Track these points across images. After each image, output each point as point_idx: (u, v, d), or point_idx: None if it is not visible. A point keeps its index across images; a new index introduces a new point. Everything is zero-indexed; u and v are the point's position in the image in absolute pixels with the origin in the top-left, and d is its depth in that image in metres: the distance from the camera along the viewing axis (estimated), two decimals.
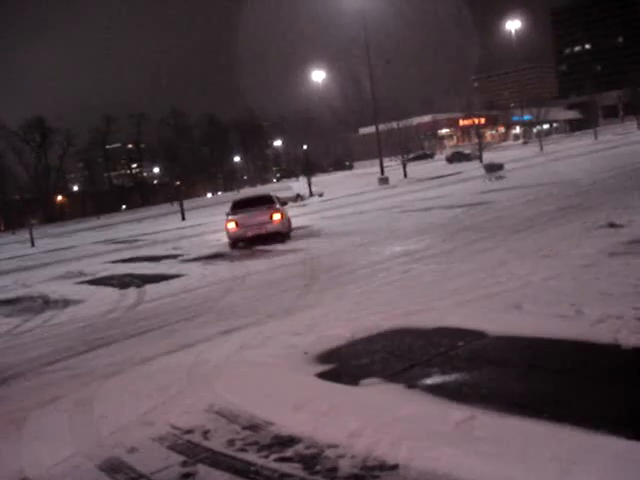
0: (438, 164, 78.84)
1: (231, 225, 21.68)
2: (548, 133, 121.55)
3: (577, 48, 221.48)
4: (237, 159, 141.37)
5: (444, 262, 12.05)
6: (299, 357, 7.21)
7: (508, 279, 9.35)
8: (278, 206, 22.30)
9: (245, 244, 21.77)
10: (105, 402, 6.79)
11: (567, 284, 8.43)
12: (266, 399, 5.98)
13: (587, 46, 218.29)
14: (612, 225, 12.62)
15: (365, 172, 76.50)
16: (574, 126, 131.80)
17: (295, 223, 25.93)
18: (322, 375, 6.46)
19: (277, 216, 21.48)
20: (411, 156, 79.76)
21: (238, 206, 22.96)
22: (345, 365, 6.70)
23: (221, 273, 16.20)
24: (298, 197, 57.39)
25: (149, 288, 15.46)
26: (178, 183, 70.14)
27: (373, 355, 6.85)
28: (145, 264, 21.57)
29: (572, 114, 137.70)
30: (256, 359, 7.38)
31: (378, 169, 59.19)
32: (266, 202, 22.69)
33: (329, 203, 47.36)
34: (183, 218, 54.59)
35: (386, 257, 14.18)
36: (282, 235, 21.72)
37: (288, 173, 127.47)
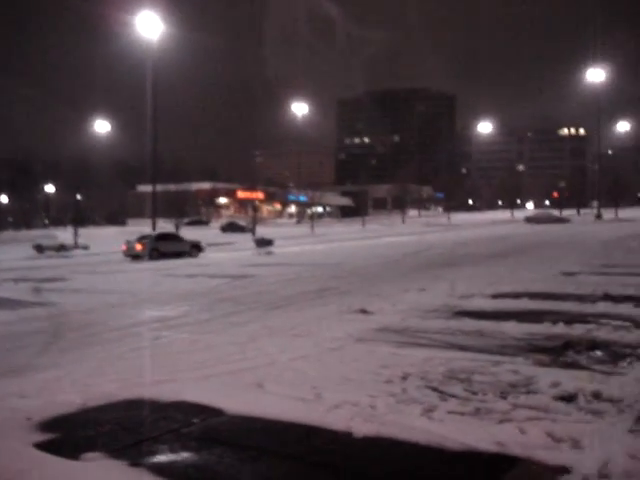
0: (212, 232, 79.33)
1: (123, 247, 40.86)
2: (321, 216, 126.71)
3: (357, 140, 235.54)
4: (3, 199, 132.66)
5: (197, 332, 11.78)
6: (20, 422, 6.57)
7: (256, 356, 9.28)
8: (144, 240, 40.02)
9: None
10: None
11: (312, 366, 8.49)
12: None
13: (366, 139, 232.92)
14: (364, 311, 13.08)
15: (138, 230, 74.75)
16: (345, 212, 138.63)
17: (52, 274, 27.75)
18: (40, 445, 5.89)
19: (139, 246, 39.45)
20: (186, 220, 79.62)
21: (139, 238, 41.13)
22: (69, 435, 6.18)
23: None
24: (62, 247, 55.12)
25: None
26: None
27: (102, 426, 6.39)
28: None
29: (345, 201, 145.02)
30: None
31: (151, 229, 58.09)
32: (145, 238, 40.99)
33: (94, 257, 45.82)
34: None
35: (139, 321, 13.67)
36: (143, 256, 38.67)
37: (56, 221, 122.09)
